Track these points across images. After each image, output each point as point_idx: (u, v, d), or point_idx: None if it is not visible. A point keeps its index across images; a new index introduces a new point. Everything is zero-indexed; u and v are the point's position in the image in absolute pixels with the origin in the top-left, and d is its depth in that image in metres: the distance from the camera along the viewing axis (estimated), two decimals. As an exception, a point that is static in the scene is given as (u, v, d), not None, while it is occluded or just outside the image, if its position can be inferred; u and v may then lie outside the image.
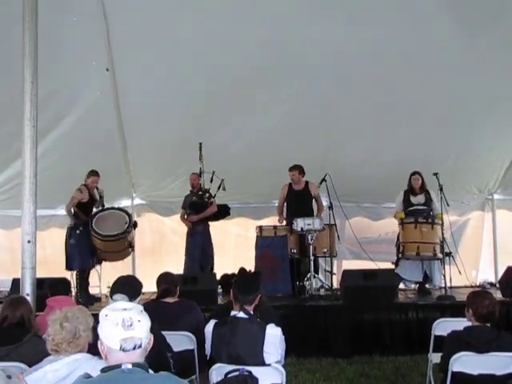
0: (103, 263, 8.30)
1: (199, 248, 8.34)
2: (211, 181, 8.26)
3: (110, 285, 4.27)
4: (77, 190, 7.87)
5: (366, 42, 7.41)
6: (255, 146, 8.77)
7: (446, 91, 8.12)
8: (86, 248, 7.71)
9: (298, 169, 8.20)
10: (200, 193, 8.26)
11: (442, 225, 7.81)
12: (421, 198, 8.17)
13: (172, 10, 7.02)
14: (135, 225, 7.92)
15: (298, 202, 8.22)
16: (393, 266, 8.01)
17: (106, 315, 2.36)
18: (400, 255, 7.94)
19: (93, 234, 7.54)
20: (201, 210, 8.33)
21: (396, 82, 7.96)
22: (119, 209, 8.13)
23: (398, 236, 8.12)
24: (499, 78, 7.96)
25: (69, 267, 7.76)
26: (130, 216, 7.84)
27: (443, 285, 7.81)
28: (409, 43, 7.47)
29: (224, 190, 8.31)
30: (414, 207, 8.13)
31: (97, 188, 8.04)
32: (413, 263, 7.97)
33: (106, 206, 8.12)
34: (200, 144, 8.07)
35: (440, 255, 7.74)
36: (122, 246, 7.71)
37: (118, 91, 7.95)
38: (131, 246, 7.86)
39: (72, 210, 7.91)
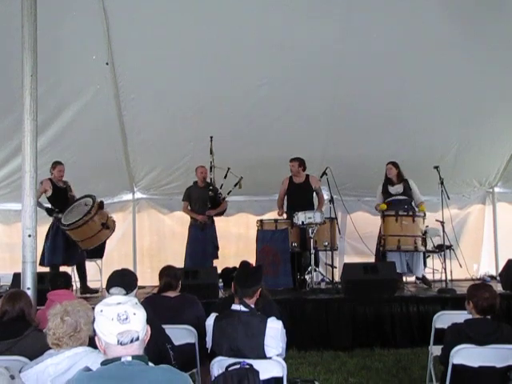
0: (104, 258, 8.34)
1: (211, 242, 8.34)
2: (225, 177, 8.24)
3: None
4: (39, 183, 7.71)
5: (366, 38, 7.42)
6: (256, 141, 8.76)
7: (447, 86, 8.10)
8: (55, 245, 7.68)
9: (298, 161, 8.21)
10: (211, 187, 8.25)
11: (424, 216, 7.80)
12: (399, 188, 8.14)
13: (172, 3, 7.01)
14: (101, 205, 7.49)
15: (299, 194, 8.23)
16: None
17: (101, 311, 2.36)
18: (381, 248, 7.91)
19: (62, 229, 7.45)
20: (216, 206, 8.35)
21: (396, 78, 7.96)
22: (85, 195, 7.79)
23: (380, 229, 8.08)
24: (499, 73, 7.96)
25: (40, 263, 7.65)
26: (93, 198, 7.53)
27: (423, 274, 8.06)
28: (409, 40, 7.47)
29: (240, 188, 8.28)
30: (393, 197, 8.11)
31: (64, 182, 7.98)
32: (396, 255, 7.89)
33: (100, 199, 8.05)
34: (211, 137, 8.05)
35: (422, 248, 7.73)
36: (92, 228, 7.38)
37: (117, 85, 7.93)
38: (106, 225, 7.47)
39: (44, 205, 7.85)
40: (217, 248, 8.43)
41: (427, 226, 8.11)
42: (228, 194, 8.36)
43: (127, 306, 2.36)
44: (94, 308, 3.08)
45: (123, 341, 2.31)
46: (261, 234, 7.96)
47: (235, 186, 8.23)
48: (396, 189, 8.15)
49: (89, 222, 7.33)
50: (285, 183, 8.42)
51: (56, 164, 7.89)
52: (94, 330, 2.40)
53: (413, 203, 8.15)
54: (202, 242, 8.29)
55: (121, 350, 2.32)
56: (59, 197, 7.85)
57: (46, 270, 7.36)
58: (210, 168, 8.19)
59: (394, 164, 8.19)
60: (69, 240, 7.55)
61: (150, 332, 2.44)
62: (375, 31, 7.34)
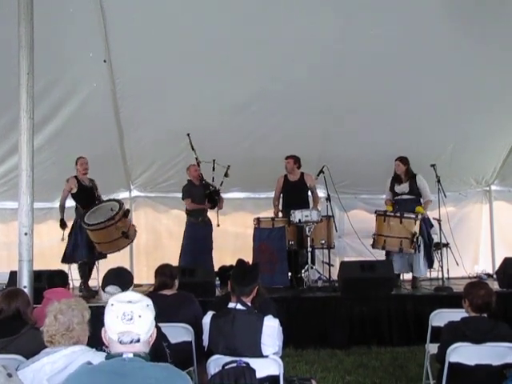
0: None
1: (210, 238, 8.35)
2: (213, 169, 8.23)
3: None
4: (66, 181, 7.89)
5: (364, 37, 7.43)
6: (253, 139, 8.76)
7: (443, 85, 8.11)
8: (84, 242, 7.68)
9: (293, 158, 8.24)
10: (204, 183, 8.27)
11: (417, 217, 7.63)
12: (405, 188, 8.03)
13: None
14: (126, 213, 7.53)
15: (294, 193, 8.25)
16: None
17: (112, 305, 2.38)
18: (372, 246, 7.92)
19: (83, 227, 7.45)
20: (218, 200, 8.36)
21: (394, 77, 7.95)
22: (113, 199, 7.97)
23: None
24: (496, 72, 7.97)
25: (67, 261, 7.77)
26: (121, 204, 7.56)
27: (427, 275, 8.08)
28: (408, 39, 7.47)
29: (227, 177, 8.25)
30: (399, 197, 8.08)
31: (91, 180, 8.04)
32: (397, 254, 7.86)
33: (127, 208, 8.11)
34: (188, 135, 8.05)
35: (410, 250, 7.56)
36: (112, 234, 7.36)
37: (114, 82, 7.91)
38: (126, 235, 7.44)
39: (67, 204, 7.93)
40: (212, 245, 8.44)
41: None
42: (220, 185, 8.32)
43: (136, 306, 2.36)
44: (91, 307, 3.12)
45: (123, 340, 2.33)
46: (258, 232, 7.96)
47: (225, 175, 8.22)
48: (402, 188, 8.06)
49: (109, 228, 7.31)
50: (280, 181, 8.42)
51: (78, 159, 7.92)
52: (103, 322, 2.41)
53: (421, 200, 8.05)
54: (203, 238, 8.28)
55: (121, 347, 2.35)
56: (84, 195, 7.89)
57: (43, 268, 7.33)
58: (197, 164, 8.22)
59: (402, 160, 8.05)
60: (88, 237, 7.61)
61: (155, 334, 2.46)
62: (375, 31, 7.33)
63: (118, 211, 7.37)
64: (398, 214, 7.60)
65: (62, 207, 7.89)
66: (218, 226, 8.31)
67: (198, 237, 8.29)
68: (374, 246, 7.85)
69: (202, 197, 8.31)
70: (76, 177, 7.93)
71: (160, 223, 9.95)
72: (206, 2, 7.01)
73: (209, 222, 8.39)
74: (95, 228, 7.33)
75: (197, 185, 8.37)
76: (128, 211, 7.67)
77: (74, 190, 7.88)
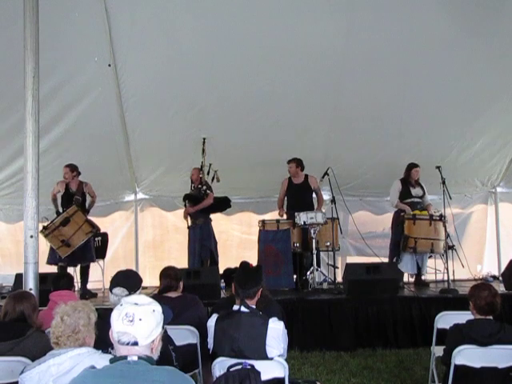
0: (106, 259, 8.37)
1: (198, 241, 8.28)
2: (208, 173, 8.27)
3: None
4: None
5: (367, 39, 7.43)
6: (257, 141, 8.77)
7: (448, 86, 8.11)
8: None
9: (296, 162, 8.25)
10: (199, 186, 8.27)
11: (444, 219, 7.87)
12: (419, 191, 8.31)
13: (173, 4, 7.02)
14: (63, 222, 7.47)
15: (298, 195, 8.25)
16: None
17: (121, 304, 2.40)
18: (410, 249, 7.84)
19: (51, 230, 7.43)
20: (197, 203, 8.29)
21: (398, 79, 7.97)
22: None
23: (402, 230, 7.93)
24: (501, 72, 7.96)
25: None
26: (60, 213, 7.67)
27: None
28: (410, 40, 7.49)
29: (218, 181, 8.28)
30: (413, 199, 8.23)
31: (82, 184, 8.02)
32: (409, 256, 8.00)
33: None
34: (204, 139, 8.06)
35: (440, 251, 7.92)
36: (54, 243, 7.47)
37: (119, 86, 7.94)
38: (66, 243, 7.44)
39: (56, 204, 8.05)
40: (207, 248, 8.29)
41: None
42: (210, 189, 8.29)
43: (140, 309, 2.38)
44: (98, 309, 3.13)
45: (121, 340, 2.35)
46: (263, 235, 7.96)
47: (212, 180, 8.26)
48: (416, 191, 8.30)
49: (48, 237, 7.40)
50: (284, 184, 8.44)
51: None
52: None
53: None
54: (193, 241, 8.29)
55: (123, 350, 2.36)
56: (65, 199, 7.94)
57: (49, 270, 7.36)
58: (201, 168, 8.24)
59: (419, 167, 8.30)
60: None
61: (158, 341, 2.45)
62: (377, 33, 7.34)
63: (52, 221, 7.45)
64: (428, 217, 7.86)
65: (54, 202, 8.04)
66: (188, 228, 8.35)
67: (189, 241, 8.36)
68: (415, 249, 7.81)
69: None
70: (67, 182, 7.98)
71: (165, 226, 9.95)
72: (209, 5, 7.02)
73: (198, 225, 8.29)
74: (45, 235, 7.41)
75: (195, 188, 8.43)
76: (66, 220, 7.53)
77: (61, 193, 7.97)
